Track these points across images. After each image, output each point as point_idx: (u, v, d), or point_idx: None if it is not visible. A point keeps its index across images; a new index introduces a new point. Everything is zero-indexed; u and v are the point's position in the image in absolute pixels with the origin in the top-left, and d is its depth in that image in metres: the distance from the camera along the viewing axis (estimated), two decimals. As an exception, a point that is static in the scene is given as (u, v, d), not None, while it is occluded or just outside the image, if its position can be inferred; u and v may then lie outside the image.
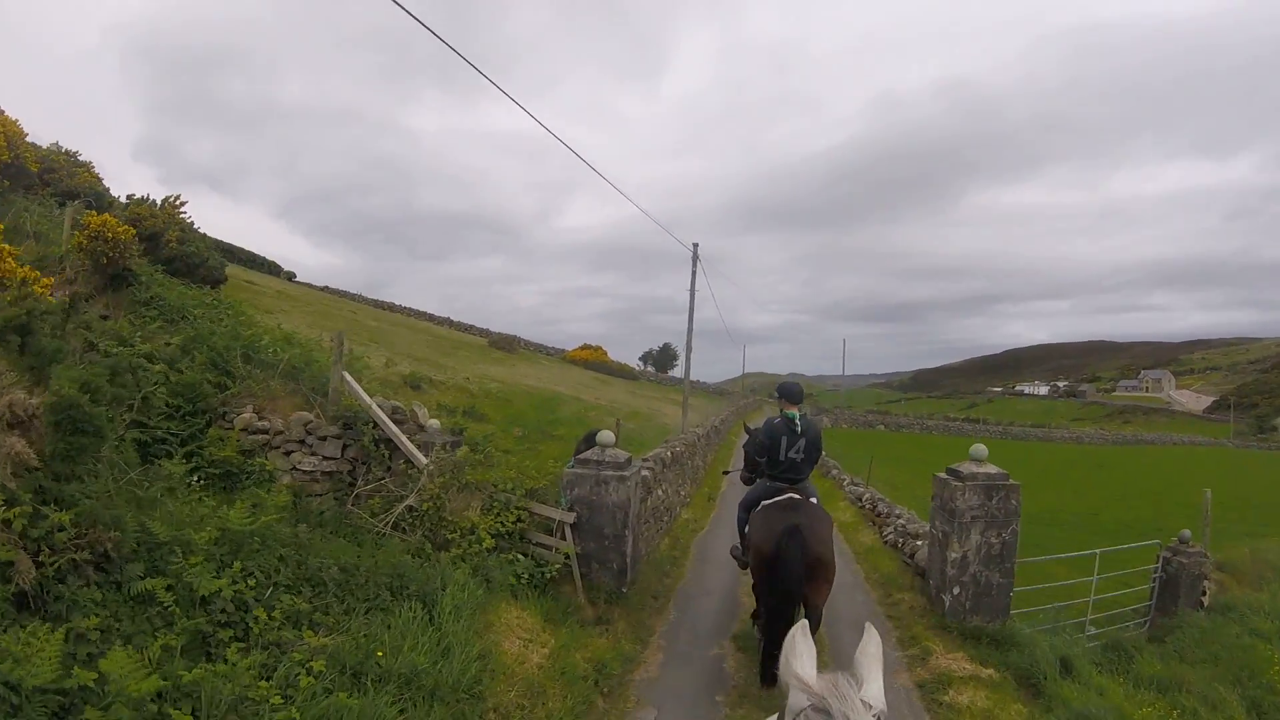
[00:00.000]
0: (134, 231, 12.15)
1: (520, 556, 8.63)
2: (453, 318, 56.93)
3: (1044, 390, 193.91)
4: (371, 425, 10.09)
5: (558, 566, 8.62)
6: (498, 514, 8.88)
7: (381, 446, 10.13)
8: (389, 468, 10.01)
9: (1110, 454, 60.10)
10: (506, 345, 44.93)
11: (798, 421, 7.30)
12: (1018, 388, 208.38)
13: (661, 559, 11.06)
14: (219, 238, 41.49)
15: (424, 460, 9.62)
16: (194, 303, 12.44)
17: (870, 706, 1.82)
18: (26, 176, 13.62)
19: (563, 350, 56.77)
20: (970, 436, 69.54)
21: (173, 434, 9.07)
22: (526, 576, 8.35)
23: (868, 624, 2.26)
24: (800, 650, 2.00)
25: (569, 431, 17.54)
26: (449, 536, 8.73)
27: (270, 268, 44.49)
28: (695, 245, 23.59)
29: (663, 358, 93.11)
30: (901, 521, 12.86)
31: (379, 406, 10.44)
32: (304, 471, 10.02)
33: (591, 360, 53.86)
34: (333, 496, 9.93)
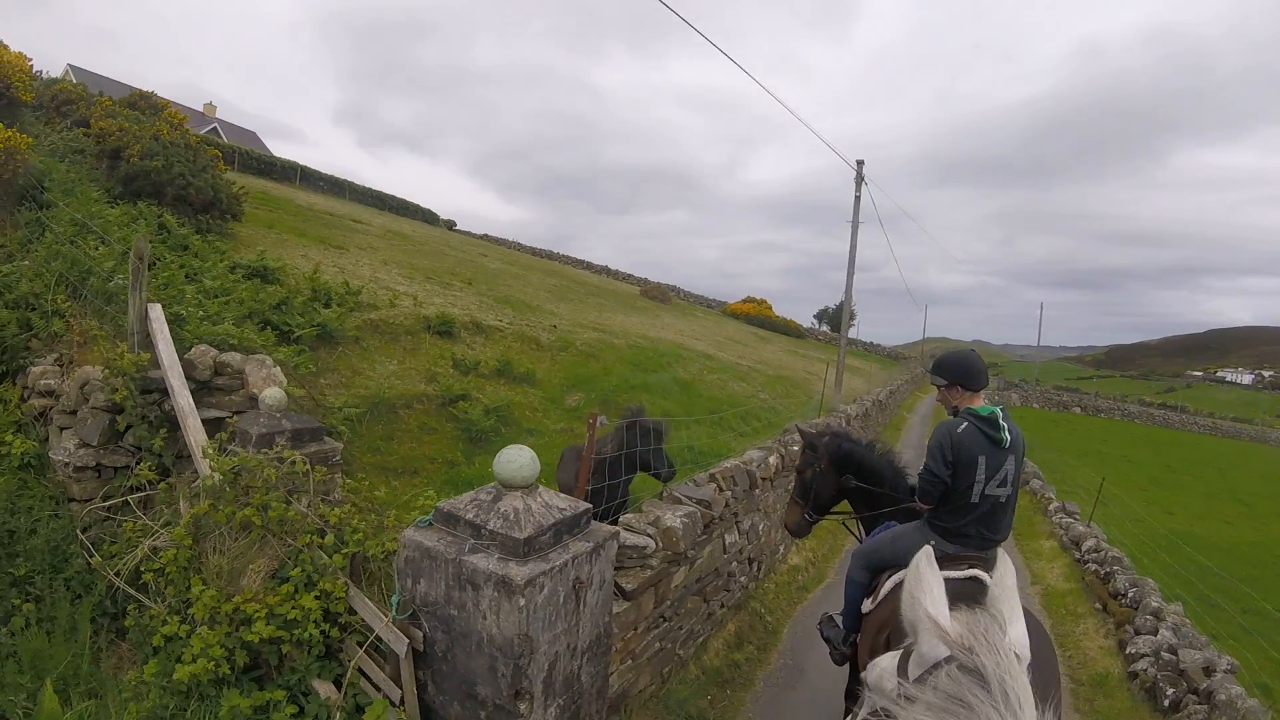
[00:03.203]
0: (28, 140, 8.79)
1: (328, 693, 3.54)
2: (611, 266, 51.84)
3: (1247, 379, 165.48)
4: (142, 393, 5.11)
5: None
6: (291, 593, 3.98)
7: (164, 432, 5.13)
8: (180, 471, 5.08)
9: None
10: (659, 295, 39.34)
11: (1002, 423, 3.68)
12: (1219, 374, 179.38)
13: (701, 678, 5.36)
14: (374, 186, 39.38)
15: (205, 466, 4.60)
16: (94, 221, 8.03)
17: (1020, 658, 1.53)
18: (18, 108, 11.60)
19: (726, 304, 50.20)
20: (1177, 429, 57.68)
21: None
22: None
23: (1000, 551, 2.04)
24: (928, 582, 1.71)
25: (654, 403, 11.95)
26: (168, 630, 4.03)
27: (426, 215, 42.17)
28: (860, 163, 17.99)
29: (838, 316, 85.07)
30: (1166, 632, 6.45)
31: (191, 358, 5.46)
32: (63, 463, 5.32)
33: (754, 314, 46.93)
34: (102, 508, 5.22)
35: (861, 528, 4.83)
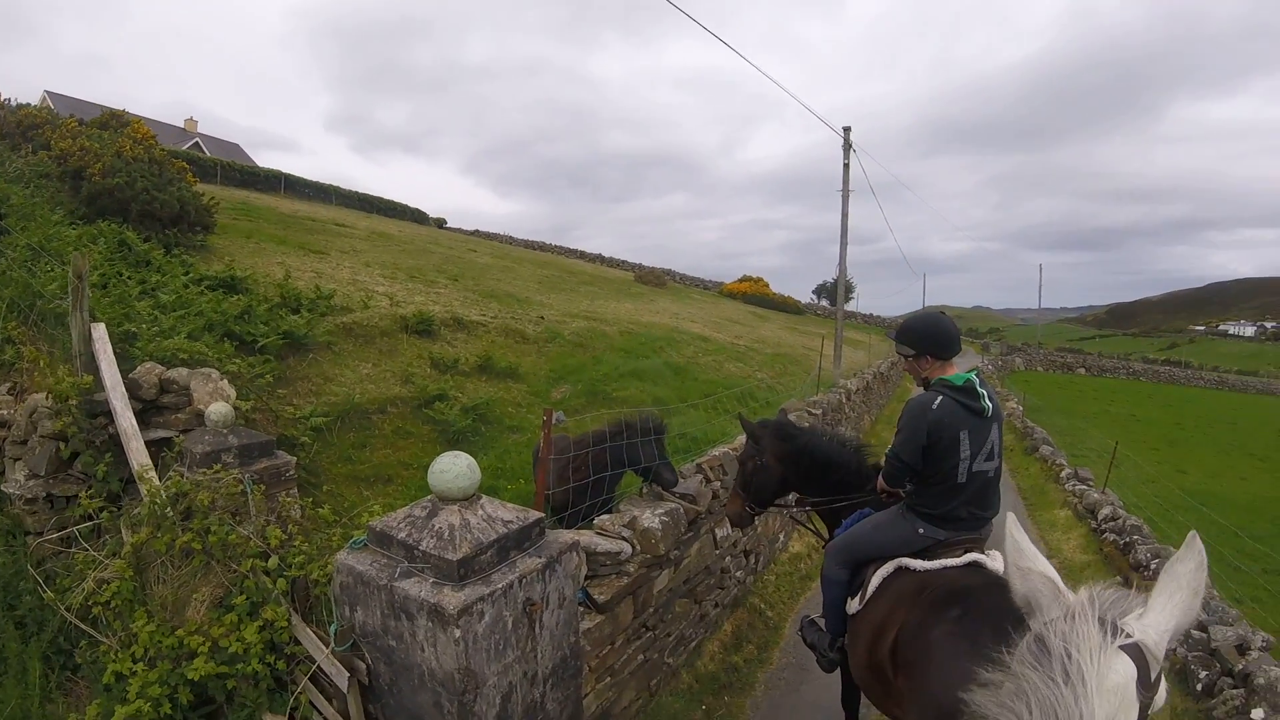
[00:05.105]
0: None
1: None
2: (605, 254, 51.61)
3: (1250, 331, 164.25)
4: (90, 417, 4.86)
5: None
6: (235, 623, 3.68)
7: (109, 457, 4.88)
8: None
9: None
10: (654, 280, 38.96)
11: (980, 390, 3.33)
12: (1221, 327, 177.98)
13: (694, 686, 5.12)
14: (361, 190, 39.13)
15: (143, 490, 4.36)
16: (51, 244, 7.73)
17: (1123, 636, 1.29)
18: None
19: (723, 284, 49.77)
20: (1181, 385, 57.38)
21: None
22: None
23: (1192, 533, 1.51)
24: (1025, 547, 1.63)
25: (645, 390, 11.66)
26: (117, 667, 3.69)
27: (415, 215, 42.10)
28: (847, 129, 17.81)
29: (837, 290, 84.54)
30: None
31: (135, 377, 5.19)
32: (16, 495, 5.10)
33: (751, 293, 46.41)
34: (54, 540, 5.07)
35: (821, 523, 4.51)
